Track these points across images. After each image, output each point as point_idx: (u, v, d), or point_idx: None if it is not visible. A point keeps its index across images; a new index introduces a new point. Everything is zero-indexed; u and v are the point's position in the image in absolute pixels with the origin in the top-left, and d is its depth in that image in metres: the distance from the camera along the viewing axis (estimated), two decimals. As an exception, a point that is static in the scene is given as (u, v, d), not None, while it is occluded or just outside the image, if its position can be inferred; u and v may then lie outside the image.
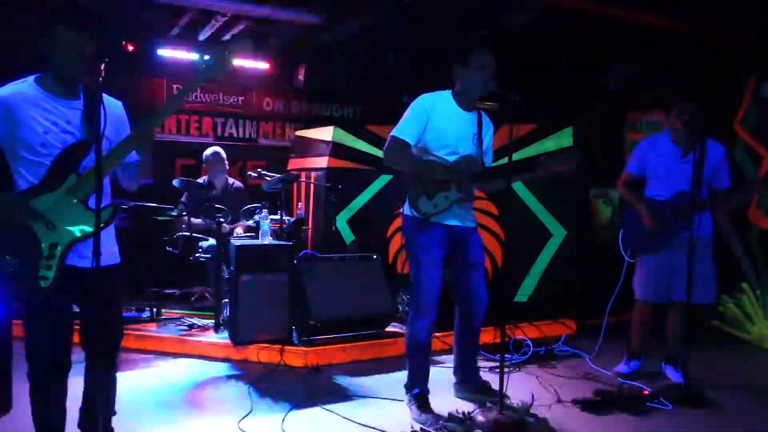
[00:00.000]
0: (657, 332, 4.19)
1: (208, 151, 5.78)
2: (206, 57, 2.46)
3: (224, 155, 5.80)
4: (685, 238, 3.73)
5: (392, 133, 3.33)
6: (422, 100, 3.37)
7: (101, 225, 2.29)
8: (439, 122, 3.33)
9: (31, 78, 2.40)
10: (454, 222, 3.40)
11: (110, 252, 2.52)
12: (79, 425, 2.66)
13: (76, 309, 2.54)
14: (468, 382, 3.67)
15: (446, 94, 3.43)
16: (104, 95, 2.36)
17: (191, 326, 4.90)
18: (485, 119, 3.49)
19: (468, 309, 3.54)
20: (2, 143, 2.34)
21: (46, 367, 2.43)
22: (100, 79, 2.27)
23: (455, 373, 3.72)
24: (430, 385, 3.47)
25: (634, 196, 4.10)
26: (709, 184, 3.93)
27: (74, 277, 2.39)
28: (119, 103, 2.59)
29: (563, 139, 5.81)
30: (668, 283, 3.97)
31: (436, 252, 3.36)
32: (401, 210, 3.49)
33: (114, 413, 2.71)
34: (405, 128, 3.32)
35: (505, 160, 3.20)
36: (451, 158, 3.34)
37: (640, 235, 4.02)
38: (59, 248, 2.31)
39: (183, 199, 5.55)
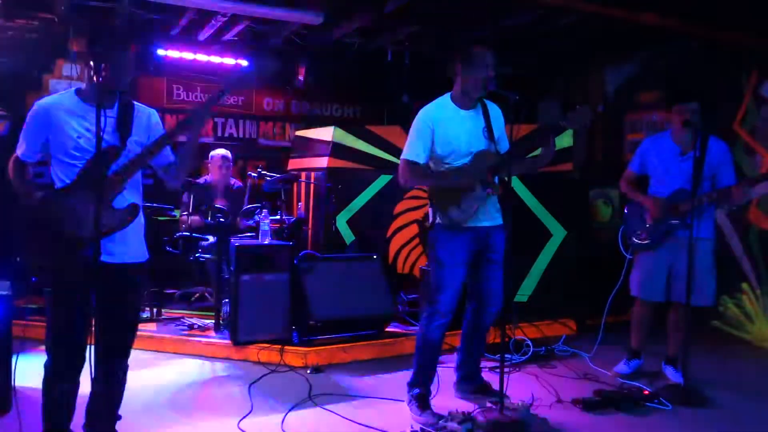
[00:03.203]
0: (657, 332, 4.20)
1: (216, 153, 5.76)
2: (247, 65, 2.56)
3: (231, 158, 5.79)
4: (685, 237, 3.74)
5: (403, 157, 3.34)
6: (423, 116, 3.34)
7: (119, 225, 2.50)
8: (444, 132, 3.30)
9: (72, 89, 2.58)
10: (484, 223, 3.38)
11: (135, 249, 2.63)
12: (84, 426, 2.67)
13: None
14: (469, 381, 3.67)
15: (445, 100, 3.40)
16: (137, 103, 2.65)
17: (191, 326, 4.90)
18: (491, 107, 3.42)
19: (483, 307, 3.51)
20: (46, 147, 2.53)
21: (65, 358, 2.51)
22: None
23: (457, 370, 3.71)
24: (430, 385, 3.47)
25: (635, 192, 4.14)
26: (712, 182, 3.90)
27: (97, 272, 2.43)
28: (153, 111, 2.73)
29: (563, 139, 5.80)
30: (666, 283, 3.98)
31: (460, 254, 3.34)
32: (429, 221, 3.40)
33: (119, 418, 2.74)
34: (413, 149, 3.31)
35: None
36: (467, 160, 3.32)
37: (635, 231, 4.06)
38: (84, 242, 2.42)
39: (184, 198, 5.55)
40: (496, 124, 3.40)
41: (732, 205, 3.85)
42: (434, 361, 3.45)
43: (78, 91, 2.57)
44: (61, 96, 2.57)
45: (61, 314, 2.50)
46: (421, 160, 3.31)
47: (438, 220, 3.34)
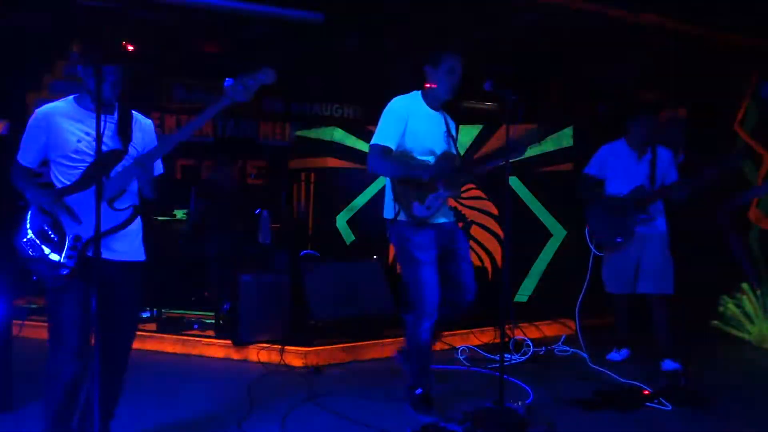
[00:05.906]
0: (654, 332, 4.23)
1: (217, 152, 5.76)
2: (231, 84, 2.49)
3: (229, 158, 5.79)
4: (646, 232, 4.21)
5: (374, 142, 3.33)
6: (398, 105, 3.38)
7: (120, 225, 2.60)
8: (415, 125, 3.35)
9: (71, 97, 2.67)
10: (442, 220, 3.43)
11: (135, 248, 2.74)
12: (77, 424, 2.66)
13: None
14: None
15: (416, 95, 3.46)
16: (135, 113, 2.75)
17: (191, 326, 4.90)
18: (449, 118, 3.55)
19: (459, 299, 3.51)
20: (45, 151, 2.61)
21: (67, 355, 2.51)
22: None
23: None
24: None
25: (594, 194, 4.45)
26: (662, 181, 4.31)
27: (100, 269, 2.45)
28: (150, 122, 2.84)
29: (563, 139, 5.81)
30: (634, 277, 4.28)
31: (432, 252, 3.35)
32: (390, 217, 3.38)
33: (113, 417, 2.74)
34: (385, 135, 3.31)
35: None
36: (429, 158, 3.37)
37: (604, 229, 4.35)
38: (82, 240, 2.53)
39: (192, 198, 5.54)
40: (453, 132, 3.55)
41: (675, 199, 4.18)
42: (428, 362, 3.45)
43: (77, 99, 2.67)
44: (60, 103, 2.65)
45: (61, 311, 2.53)
46: (393, 146, 3.31)
47: (401, 217, 3.32)
